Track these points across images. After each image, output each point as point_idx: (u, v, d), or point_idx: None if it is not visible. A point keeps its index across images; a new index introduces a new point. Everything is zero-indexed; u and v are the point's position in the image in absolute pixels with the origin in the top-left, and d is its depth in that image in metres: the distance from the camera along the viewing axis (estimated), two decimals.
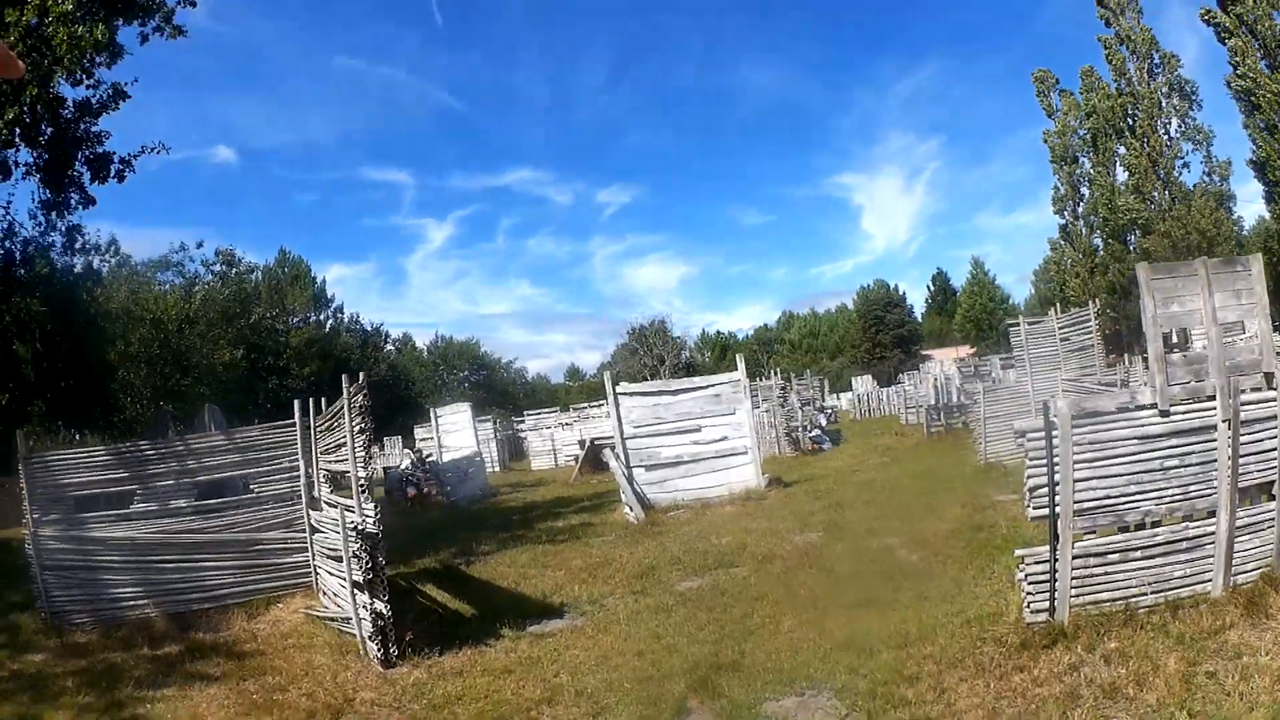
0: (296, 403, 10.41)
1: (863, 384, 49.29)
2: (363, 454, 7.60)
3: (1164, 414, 6.05)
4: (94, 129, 14.14)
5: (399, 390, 64.61)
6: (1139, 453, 6.02)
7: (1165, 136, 43.25)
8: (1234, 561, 6.03)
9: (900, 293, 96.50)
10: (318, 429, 9.78)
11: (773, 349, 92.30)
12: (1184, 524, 6.09)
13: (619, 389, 15.55)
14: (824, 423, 26.76)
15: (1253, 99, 36.64)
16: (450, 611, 9.21)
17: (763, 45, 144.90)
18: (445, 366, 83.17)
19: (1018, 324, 15.28)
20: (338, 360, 53.05)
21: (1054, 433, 5.86)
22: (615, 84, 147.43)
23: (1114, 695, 4.75)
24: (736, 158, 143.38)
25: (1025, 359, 14.96)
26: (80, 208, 14.63)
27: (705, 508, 14.12)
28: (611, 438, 25.65)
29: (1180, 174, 42.96)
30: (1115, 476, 6.00)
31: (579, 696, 5.96)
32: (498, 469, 31.95)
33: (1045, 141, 51.23)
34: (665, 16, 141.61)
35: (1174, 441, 6.05)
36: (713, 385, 15.93)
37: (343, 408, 7.95)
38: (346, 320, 66.24)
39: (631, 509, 13.62)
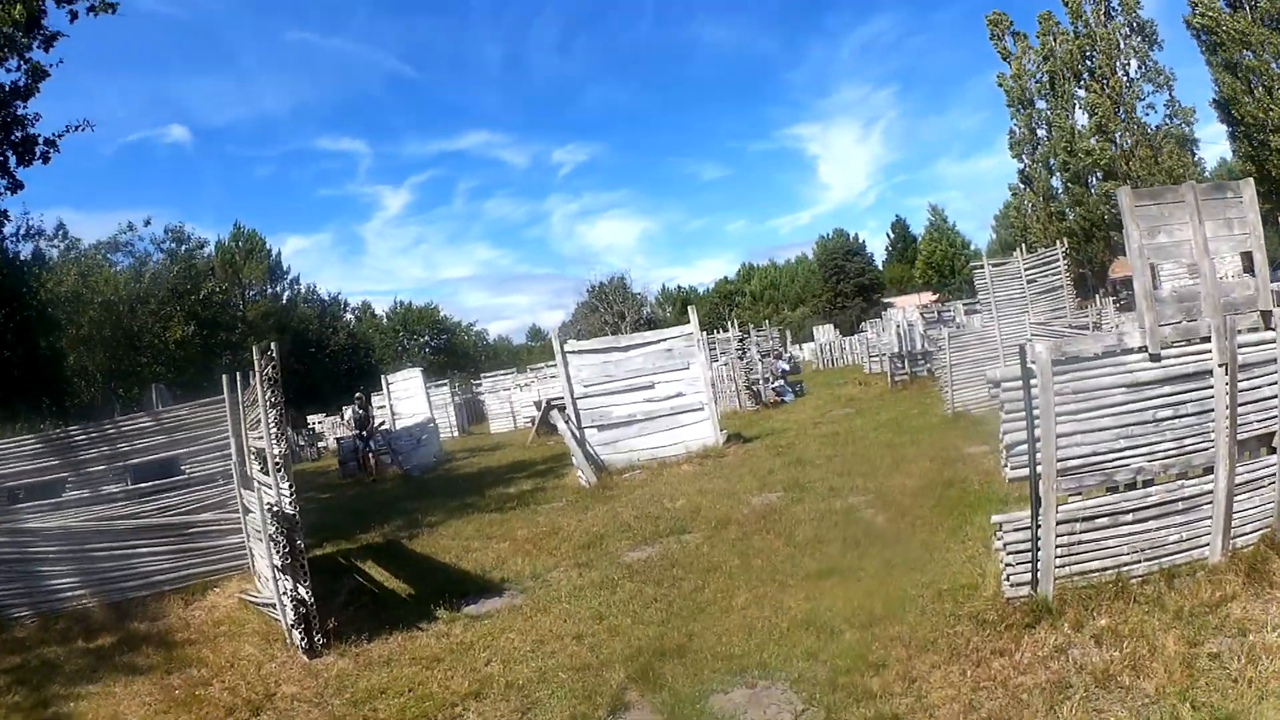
0: (224, 376, 9.77)
1: (825, 333, 48.92)
2: (275, 429, 6.80)
3: (1154, 358, 5.42)
4: (21, 112, 13.50)
5: (359, 358, 64.63)
6: (1128, 402, 5.38)
7: (1125, 78, 42.94)
8: (1233, 523, 5.45)
9: (860, 241, 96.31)
10: (245, 404, 8.99)
11: (734, 301, 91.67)
12: (1179, 482, 5.46)
13: (567, 347, 14.81)
14: (785, 369, 26.22)
15: (1214, 37, 36.30)
16: (386, 591, 8.55)
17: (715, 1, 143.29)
18: (405, 333, 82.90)
19: (982, 266, 14.67)
20: (295, 332, 54.68)
21: (1033, 381, 5.22)
22: (568, 42, 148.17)
23: (1107, 683, 4.18)
24: (692, 112, 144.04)
25: (991, 302, 14.40)
26: (7, 193, 13.94)
27: (661, 468, 13.54)
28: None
29: (1144, 115, 42.88)
30: (1102, 430, 5.38)
31: (509, 689, 5.37)
32: (456, 434, 31.42)
33: (1000, 85, 50.51)
34: None
35: (1166, 389, 5.42)
36: (664, 340, 15.22)
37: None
38: (304, 291, 65.97)
39: (583, 472, 12.97)
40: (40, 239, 21.42)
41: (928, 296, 76.96)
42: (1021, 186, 50.66)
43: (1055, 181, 48.49)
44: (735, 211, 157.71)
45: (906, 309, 39.98)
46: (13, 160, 13.65)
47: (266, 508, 6.64)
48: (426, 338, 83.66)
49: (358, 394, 16.92)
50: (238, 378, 9.33)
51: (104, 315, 30.24)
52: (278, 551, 6.62)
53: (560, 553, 8.68)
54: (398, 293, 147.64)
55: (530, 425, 25.28)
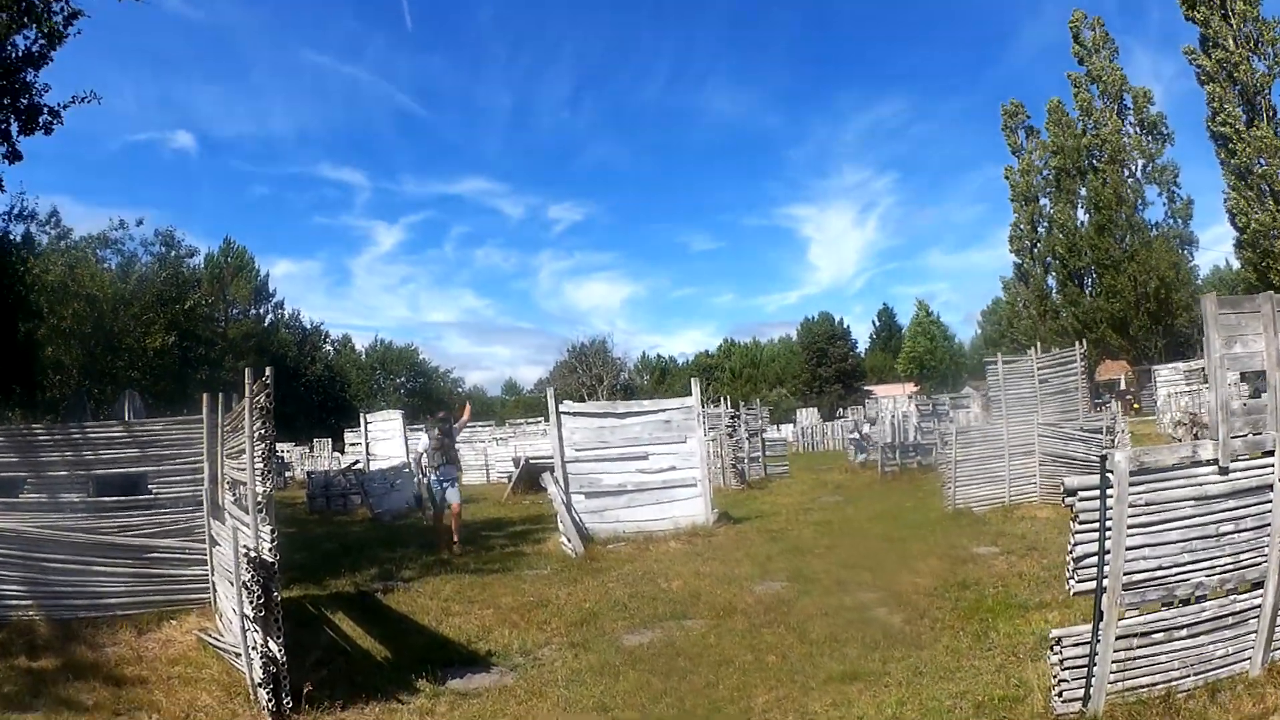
0: (205, 395, 9.30)
1: (807, 416, 48.87)
2: (261, 464, 6.41)
3: (1224, 471, 5.31)
4: (32, 79, 13.17)
5: (334, 391, 65.81)
6: (1195, 516, 5.25)
7: (1130, 178, 44.33)
8: (1274, 637, 5.42)
9: (844, 326, 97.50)
10: (225, 428, 8.57)
11: (713, 376, 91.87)
12: (1231, 597, 5.36)
13: (562, 408, 14.49)
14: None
15: (1230, 146, 37.52)
16: (360, 651, 8.03)
17: (728, 70, 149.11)
18: (383, 371, 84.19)
19: (995, 362, 14.65)
20: (274, 356, 53.87)
21: (1108, 492, 5.04)
22: (578, 99, 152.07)
23: None
24: (691, 182, 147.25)
25: (1001, 400, 14.32)
26: (4, 161, 13.54)
27: (648, 542, 13.13)
28: (548, 458, 24.74)
29: (1143, 212, 44.08)
30: (1168, 544, 5.20)
31: None
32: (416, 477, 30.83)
33: (1007, 178, 52.01)
34: (633, 35, 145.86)
35: (1231, 503, 5.32)
36: (664, 410, 14.99)
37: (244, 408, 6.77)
38: (287, 316, 66.94)
39: (569, 540, 12.53)
40: (32, 222, 21.11)
41: (909, 387, 77.68)
42: (1016, 282, 51.74)
43: (1050, 280, 49.60)
44: (722, 285, 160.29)
45: (896, 399, 40.26)
46: (15, 128, 13.32)
47: (242, 551, 6.20)
48: (403, 379, 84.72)
49: (441, 414, 14.71)
50: (219, 398, 8.92)
51: (87, 311, 30.14)
52: (250, 601, 6.16)
53: (551, 628, 8.26)
54: (379, 330, 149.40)
55: (506, 481, 24.81)
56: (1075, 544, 5.16)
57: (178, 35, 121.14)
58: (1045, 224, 49.84)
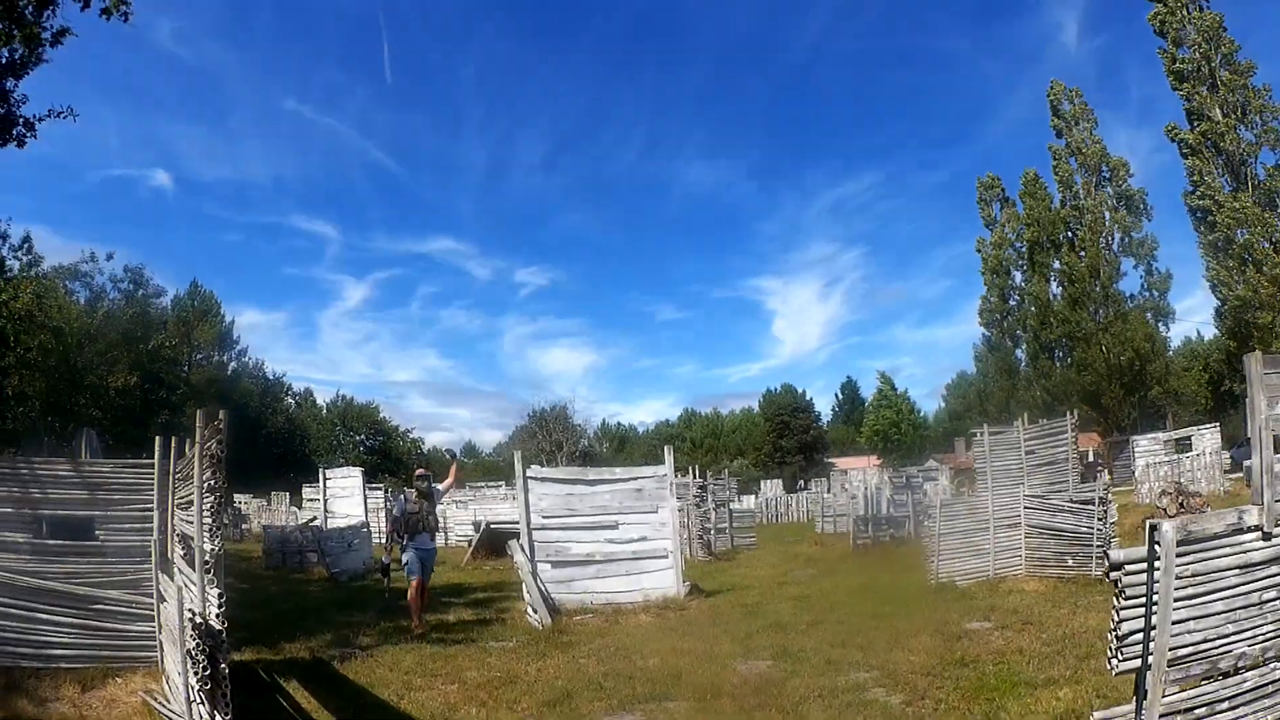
0: (158, 439, 8.77)
1: (771, 488, 48.50)
2: (210, 518, 5.83)
3: (1266, 536, 5.03)
4: (11, 87, 12.72)
5: (294, 445, 66.07)
6: (1239, 584, 4.93)
7: (1107, 251, 45.10)
8: None
9: (808, 399, 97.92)
10: (176, 475, 7.96)
11: (674, 445, 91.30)
12: (1270, 666, 5.03)
13: (530, 472, 13.98)
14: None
15: (1210, 218, 38.40)
16: None
17: (701, 142, 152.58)
18: (343, 428, 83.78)
19: (980, 433, 14.42)
20: (236, 405, 53.96)
21: (1156, 564, 4.70)
22: (552, 163, 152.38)
23: None
24: (660, 252, 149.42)
25: (986, 471, 14.05)
26: None
27: (618, 615, 12.59)
28: (509, 523, 24.16)
29: (1119, 284, 44.82)
30: (1213, 615, 4.87)
31: None
32: (385, 542, 30.11)
33: (979, 251, 52.86)
34: (610, 103, 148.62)
35: (1274, 569, 5.03)
36: (635, 478, 14.57)
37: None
38: (250, 365, 67.16)
39: (536, 611, 11.91)
40: (4, 245, 20.61)
41: (872, 460, 77.74)
42: (987, 354, 52.15)
43: (1020, 353, 50.14)
44: (685, 355, 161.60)
45: (866, 471, 40.11)
46: None
47: (187, 614, 5.58)
48: (363, 436, 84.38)
49: (420, 472, 12.82)
50: (172, 442, 8.32)
51: (52, 343, 29.49)
52: (195, 671, 5.52)
53: (521, 708, 7.63)
54: (341, 386, 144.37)
55: (466, 544, 24.26)
56: (1120, 620, 4.81)
57: (164, 73, 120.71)
58: (1016, 297, 50.55)
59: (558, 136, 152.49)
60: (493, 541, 21.41)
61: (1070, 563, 12.85)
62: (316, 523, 22.05)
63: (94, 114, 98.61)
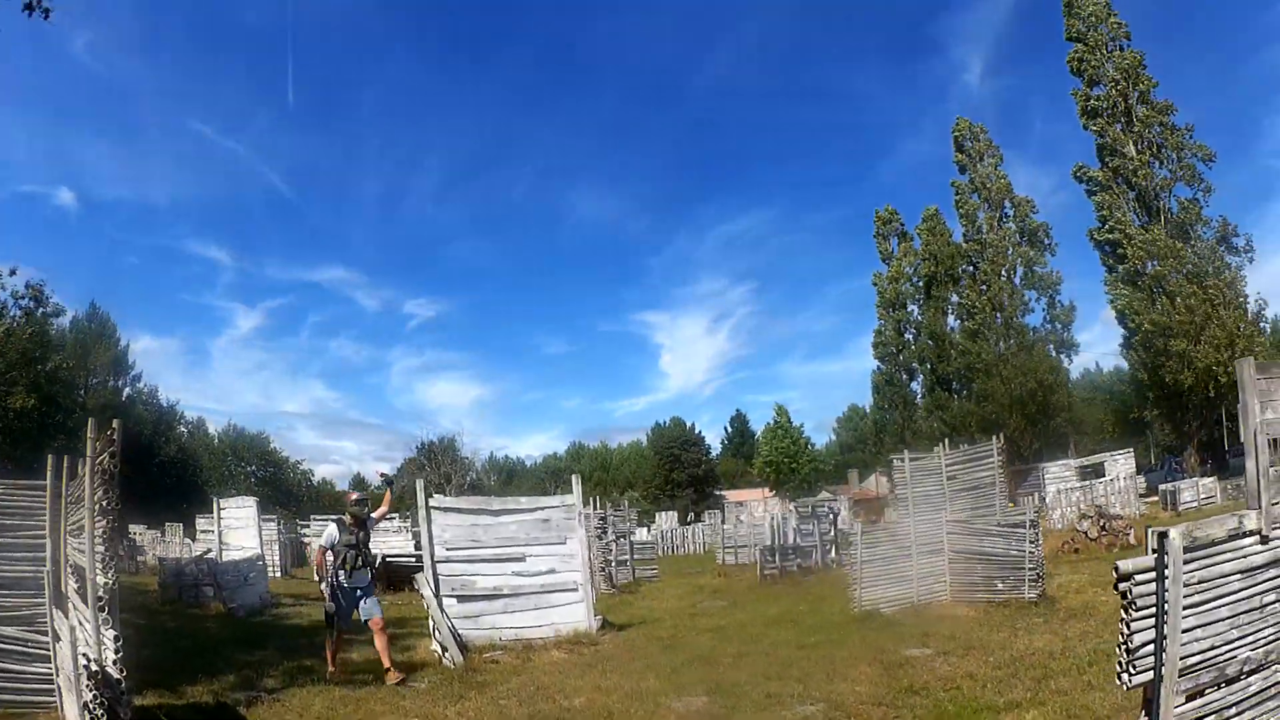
0: (50, 458, 7.88)
1: (667, 519, 48.22)
2: (103, 546, 4.95)
3: (1264, 540, 4.98)
4: None
5: (186, 474, 65.39)
6: (1241, 589, 4.87)
7: (1009, 284, 46.78)
8: None
9: (698, 432, 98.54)
10: (69, 499, 6.98)
11: (563, 478, 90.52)
12: (1274, 668, 5.00)
13: (433, 502, 13.22)
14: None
15: (1119, 251, 40.10)
16: None
17: (597, 176, 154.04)
18: (234, 458, 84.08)
19: (902, 458, 14.31)
20: (129, 432, 49.25)
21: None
22: (445, 194, 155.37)
23: None
24: (550, 285, 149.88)
25: (908, 498, 13.93)
26: None
27: (529, 651, 11.89)
28: (404, 557, 23.17)
29: (1023, 317, 46.56)
30: (1219, 621, 4.75)
31: None
32: (279, 574, 29.58)
33: (875, 284, 54.12)
34: (507, 135, 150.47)
35: (1272, 572, 4.99)
36: (542, 509, 14.00)
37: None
38: (144, 392, 66.23)
39: (448, 650, 11.11)
40: None
41: (764, 492, 78.52)
42: (885, 386, 53.27)
43: (915, 385, 51.43)
44: (571, 389, 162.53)
45: (767, 501, 40.22)
46: None
47: (83, 661, 4.70)
48: (254, 467, 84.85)
49: (354, 497, 11.07)
50: (64, 462, 7.50)
51: None
52: None
53: None
54: (232, 416, 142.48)
55: None
56: (1134, 632, 4.53)
57: (75, 86, 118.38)
58: (912, 330, 51.86)
59: (453, 166, 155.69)
60: (388, 576, 20.86)
61: (1000, 586, 12.78)
62: (211, 555, 21.27)
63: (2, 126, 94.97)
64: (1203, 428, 41.66)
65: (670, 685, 9.24)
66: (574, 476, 15.29)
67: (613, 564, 23.60)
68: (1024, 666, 8.63)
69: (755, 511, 36.61)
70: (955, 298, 48.99)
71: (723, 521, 41.17)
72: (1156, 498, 29.75)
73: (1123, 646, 4.63)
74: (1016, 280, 46.80)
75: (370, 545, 10.59)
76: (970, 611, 12.45)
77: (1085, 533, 17.75)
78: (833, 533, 24.96)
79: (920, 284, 51.17)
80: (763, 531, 31.17)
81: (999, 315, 46.14)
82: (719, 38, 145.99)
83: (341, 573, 10.03)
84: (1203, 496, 26.81)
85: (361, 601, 10.17)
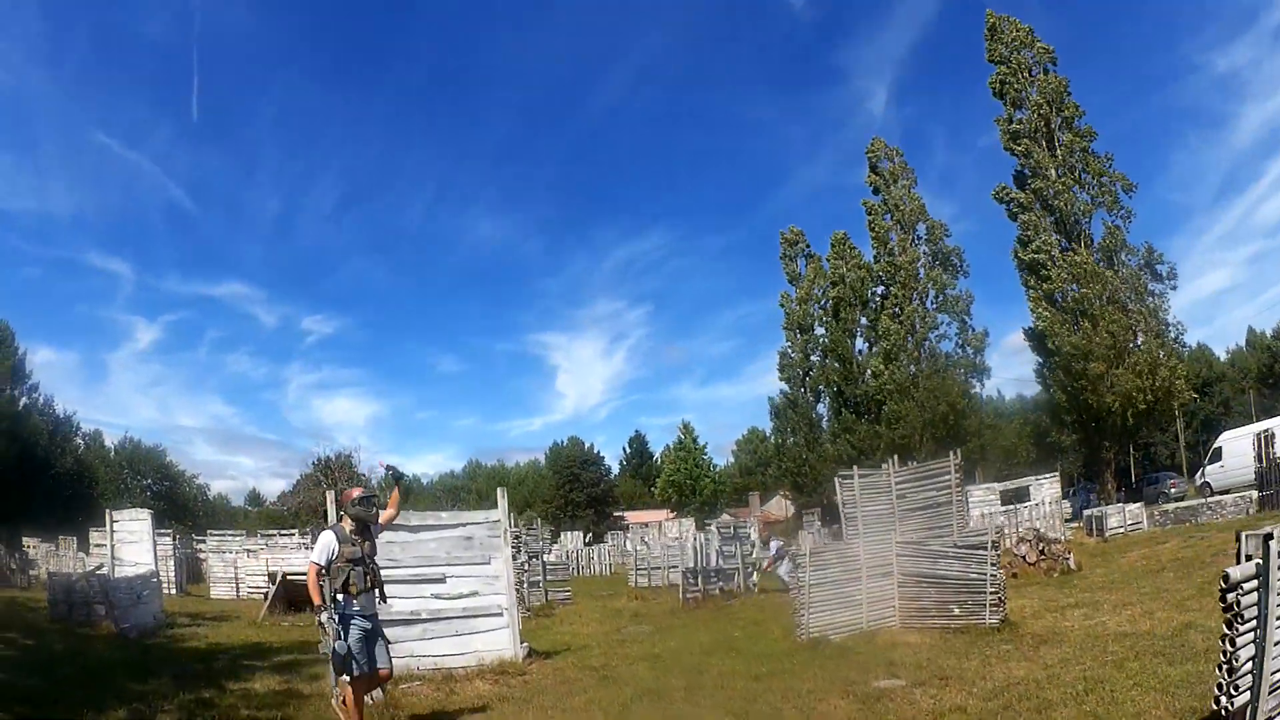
0: None
1: (572, 539, 47.17)
2: None
3: None
4: None
5: (82, 487, 64.99)
6: None
7: (920, 308, 47.32)
8: None
9: (596, 452, 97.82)
10: None
11: (459, 498, 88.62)
12: None
13: None
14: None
15: (1041, 272, 40.73)
16: None
17: (493, 196, 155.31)
18: (131, 471, 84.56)
19: (850, 475, 13.72)
20: (24, 443, 55.42)
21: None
22: (342, 212, 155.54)
23: None
24: (445, 303, 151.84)
25: (856, 517, 13.34)
26: None
27: (450, 683, 10.96)
28: (306, 574, 21.58)
29: (936, 341, 47.11)
30: None
31: None
32: (174, 591, 28.85)
33: (783, 306, 54.18)
34: (404, 154, 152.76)
35: None
36: (464, 524, 13.12)
37: None
38: (40, 403, 65.46)
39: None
40: None
41: (664, 514, 78.08)
42: (788, 411, 53.23)
43: (821, 408, 51.55)
44: (466, 408, 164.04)
45: (680, 522, 39.51)
46: None
47: None
48: (150, 481, 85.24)
49: (358, 495, 8.14)
50: None
51: None
52: None
53: None
54: (129, 430, 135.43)
55: (258, 596, 23.11)
56: (1239, 647, 3.90)
57: None
58: (819, 352, 52.03)
59: (349, 185, 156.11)
60: (289, 595, 19.92)
61: (957, 611, 12.22)
62: (104, 570, 20.06)
63: None
64: (1121, 454, 42.84)
65: None
66: (499, 490, 14.30)
67: (524, 585, 22.50)
68: (1014, 698, 8.06)
69: (669, 532, 35.91)
70: (864, 320, 49.55)
71: (633, 543, 40.44)
72: (1079, 524, 30.12)
73: (1224, 666, 4.05)
74: (929, 304, 47.54)
75: (375, 561, 8.08)
76: (924, 639, 11.91)
77: (1024, 557, 17.54)
78: (754, 555, 24.42)
79: (829, 306, 51.55)
80: (676, 553, 30.54)
81: (910, 339, 46.77)
82: (614, 60, 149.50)
83: (342, 597, 7.57)
84: (1129, 522, 27.10)
85: (375, 645, 7.79)
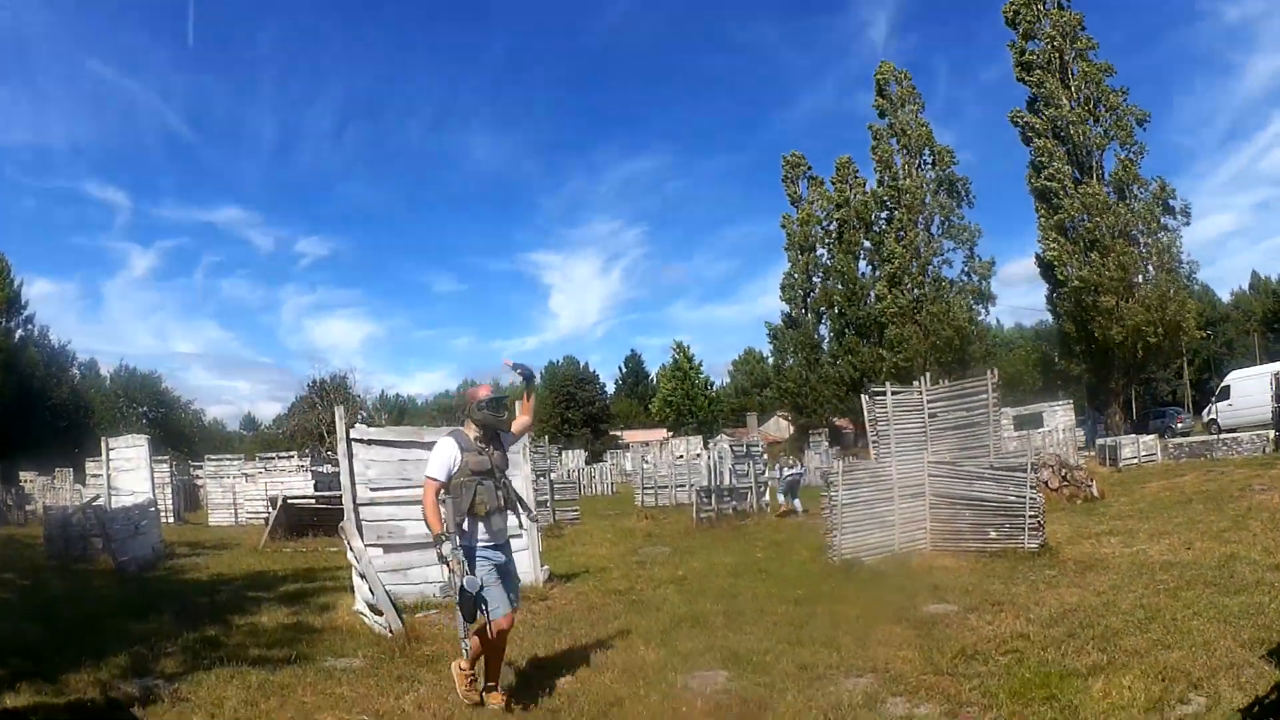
0: None
1: (575, 458, 47.18)
2: None
3: None
4: None
5: (78, 418, 65.39)
6: None
7: (925, 233, 46.62)
8: None
9: (592, 372, 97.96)
10: None
11: (455, 417, 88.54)
12: None
13: (355, 433, 11.48)
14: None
15: (1053, 201, 40.12)
16: None
17: (491, 116, 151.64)
18: (126, 400, 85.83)
19: (882, 391, 13.30)
20: (21, 374, 56.35)
21: None
22: (340, 133, 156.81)
23: None
24: (441, 223, 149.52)
25: (889, 436, 12.96)
26: None
27: None
28: (307, 498, 21.38)
29: (940, 267, 46.62)
30: None
31: None
32: (172, 520, 28.62)
33: (784, 227, 53.29)
34: (402, 73, 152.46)
35: None
36: None
37: None
38: (35, 334, 66.17)
39: (384, 615, 9.38)
40: None
41: (661, 433, 78.36)
42: (786, 331, 52.85)
43: (823, 329, 51.16)
44: (461, 327, 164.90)
45: (690, 440, 39.41)
46: None
47: None
48: (146, 408, 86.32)
49: (484, 399, 6.52)
50: None
51: None
52: None
53: None
54: (125, 357, 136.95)
55: (258, 521, 22.99)
56: None
57: None
58: (821, 274, 51.43)
59: (348, 105, 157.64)
60: (291, 519, 19.86)
61: (993, 535, 11.91)
62: (100, 502, 19.52)
63: None
64: (1129, 385, 42.77)
65: (671, 656, 7.97)
66: (517, 403, 13.70)
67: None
68: (1076, 625, 7.77)
69: (674, 450, 35.82)
70: (868, 243, 48.86)
71: (634, 462, 40.34)
72: (1093, 452, 30.12)
73: None
74: (934, 230, 46.90)
75: (508, 479, 6.66)
76: (960, 563, 11.62)
77: (1046, 482, 17.29)
78: (766, 474, 24.27)
79: (832, 228, 50.83)
80: (683, 472, 30.44)
81: (914, 263, 46.21)
82: None
83: (469, 521, 6.24)
84: (1144, 454, 27.05)
85: (490, 586, 6.24)
